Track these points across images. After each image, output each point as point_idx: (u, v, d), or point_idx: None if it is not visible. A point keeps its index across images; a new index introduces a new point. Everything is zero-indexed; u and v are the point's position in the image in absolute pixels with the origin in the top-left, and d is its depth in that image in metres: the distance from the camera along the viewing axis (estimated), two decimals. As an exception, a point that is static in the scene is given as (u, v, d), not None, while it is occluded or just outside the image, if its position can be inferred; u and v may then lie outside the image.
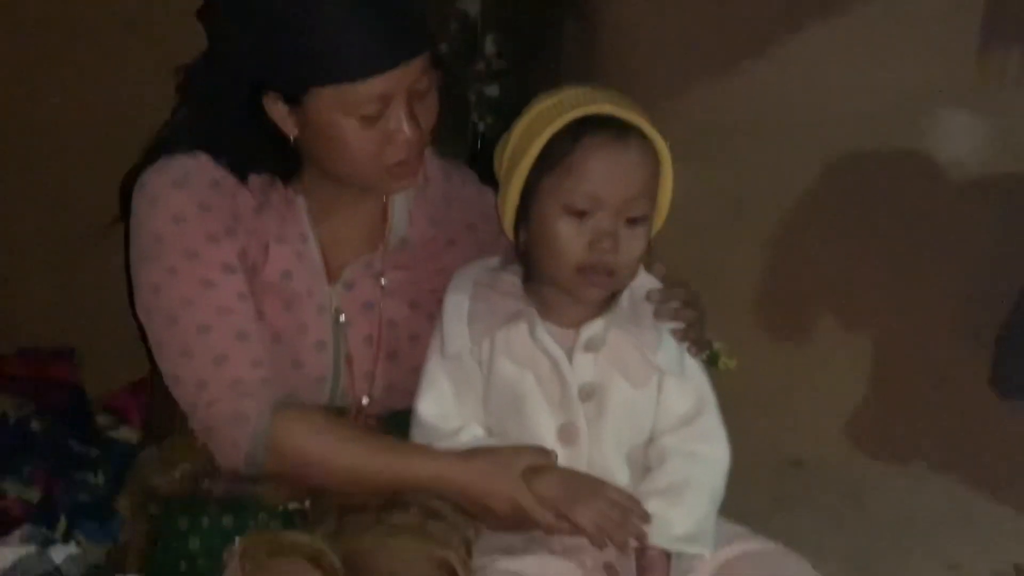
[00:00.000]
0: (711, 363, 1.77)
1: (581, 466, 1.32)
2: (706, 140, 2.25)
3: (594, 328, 1.33)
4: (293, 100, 1.32)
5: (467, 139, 2.24)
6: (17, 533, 1.72)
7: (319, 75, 1.28)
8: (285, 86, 1.31)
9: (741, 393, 1.85)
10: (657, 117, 2.12)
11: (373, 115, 1.30)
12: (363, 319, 1.42)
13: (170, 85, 1.43)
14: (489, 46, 2.22)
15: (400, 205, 1.44)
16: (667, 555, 1.29)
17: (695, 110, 2.24)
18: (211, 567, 1.30)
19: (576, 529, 1.26)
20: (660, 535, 1.28)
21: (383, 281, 1.42)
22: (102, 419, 2.13)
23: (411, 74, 1.30)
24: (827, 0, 2.21)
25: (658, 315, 1.34)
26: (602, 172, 1.24)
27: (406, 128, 1.32)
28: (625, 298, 1.35)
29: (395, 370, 1.43)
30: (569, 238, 1.26)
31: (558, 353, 1.32)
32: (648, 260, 1.38)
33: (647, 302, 1.35)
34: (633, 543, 1.27)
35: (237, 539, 1.26)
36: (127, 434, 2.09)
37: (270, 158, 1.37)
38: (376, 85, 1.28)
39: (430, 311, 1.41)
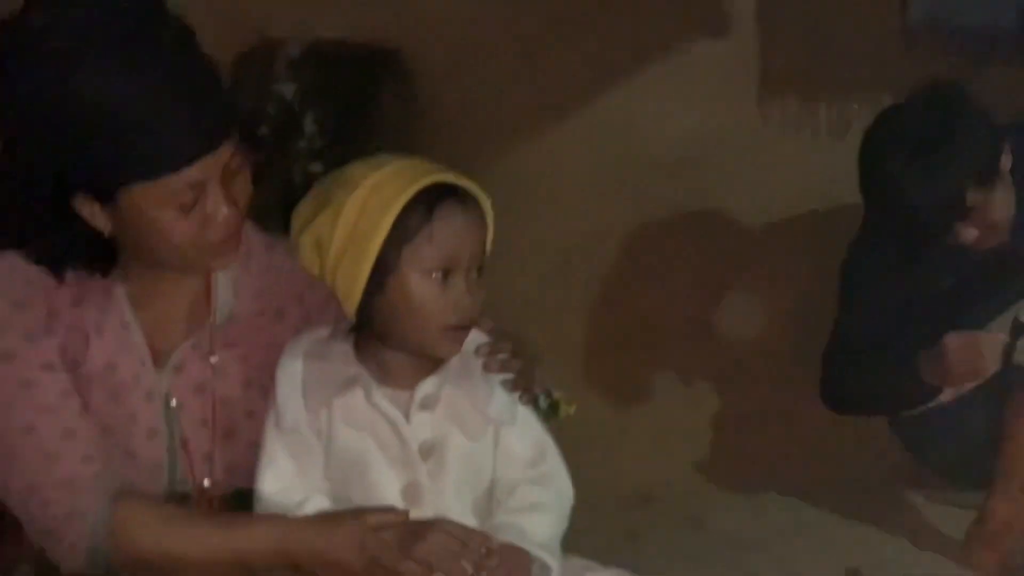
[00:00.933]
0: (552, 411, 1.81)
1: None
2: (531, 194, 2.32)
3: (428, 387, 1.33)
4: (104, 198, 1.28)
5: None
6: None
7: (129, 174, 1.25)
8: (94, 188, 1.27)
9: (584, 435, 1.90)
10: (482, 175, 2.19)
11: (189, 203, 1.28)
12: (196, 401, 1.38)
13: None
14: (309, 125, 2.23)
15: (224, 281, 1.41)
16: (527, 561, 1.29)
17: (518, 166, 2.31)
18: None
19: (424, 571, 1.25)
20: (517, 539, 1.29)
21: (213, 360, 1.39)
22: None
23: (223, 157, 1.29)
24: (623, 57, 2.34)
25: (487, 368, 1.36)
26: (457, 235, 1.29)
27: (224, 209, 1.30)
28: (456, 355, 1.37)
29: (234, 449, 1.39)
30: (435, 301, 1.29)
31: (396, 415, 1.32)
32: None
33: (477, 356, 1.37)
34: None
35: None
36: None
37: (84, 254, 1.33)
38: (189, 175, 1.26)
39: (264, 386, 1.37)
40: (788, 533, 2.12)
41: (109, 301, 1.36)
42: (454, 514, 1.33)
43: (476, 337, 1.38)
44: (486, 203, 1.34)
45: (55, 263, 1.33)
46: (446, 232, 1.29)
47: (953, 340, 1.99)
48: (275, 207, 2.14)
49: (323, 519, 1.29)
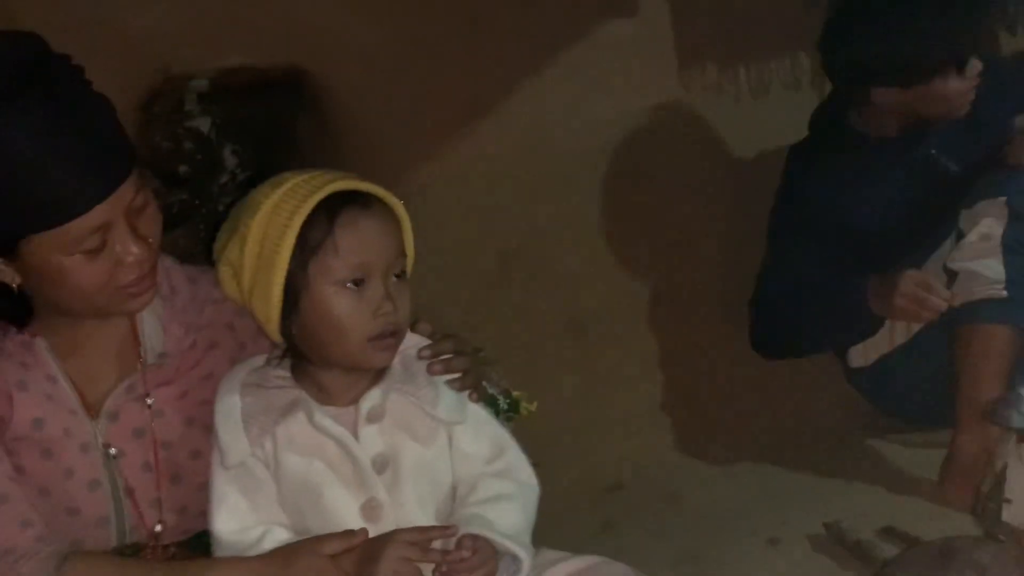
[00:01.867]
0: (513, 410, 1.78)
1: None
2: (463, 198, 2.29)
3: (372, 399, 1.30)
4: (6, 252, 1.24)
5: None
6: None
7: (27, 225, 1.21)
8: None
9: (549, 431, 1.87)
10: (409, 185, 2.15)
11: (95, 247, 1.24)
12: (136, 447, 1.33)
13: None
14: (228, 158, 2.18)
15: (150, 320, 1.37)
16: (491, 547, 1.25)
17: (444, 172, 2.27)
18: None
19: None
20: (482, 529, 1.26)
21: (149, 402, 1.34)
22: None
23: (125, 196, 1.25)
24: (536, 49, 2.31)
25: (431, 370, 1.33)
26: (364, 241, 1.25)
27: (133, 249, 1.26)
28: (397, 362, 1.33)
29: (183, 492, 1.34)
30: (353, 312, 1.25)
31: (342, 433, 1.27)
32: (412, 320, 1.38)
33: (419, 360, 1.34)
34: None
35: None
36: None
37: (-4, 309, 1.28)
38: (91, 219, 1.22)
39: (206, 423, 1.32)
40: (764, 499, 2.10)
41: (31, 355, 1.32)
42: (418, 524, 1.29)
43: (416, 341, 1.36)
44: (396, 204, 1.30)
45: (-34, 322, 1.28)
46: (351, 240, 1.26)
47: (912, 276, 1.99)
48: (203, 243, 2.10)
49: (281, 555, 1.25)
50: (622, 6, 2.39)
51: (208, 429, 1.32)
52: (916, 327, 2.11)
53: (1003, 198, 1.99)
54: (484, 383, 1.50)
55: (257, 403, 1.29)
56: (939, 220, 2.10)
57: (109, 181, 1.23)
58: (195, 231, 2.14)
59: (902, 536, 1.82)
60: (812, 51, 2.51)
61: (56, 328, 1.32)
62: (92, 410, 1.34)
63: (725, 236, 2.42)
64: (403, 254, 1.30)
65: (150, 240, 1.29)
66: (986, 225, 1.99)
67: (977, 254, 1.99)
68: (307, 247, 1.25)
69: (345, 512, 1.28)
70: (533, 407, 1.77)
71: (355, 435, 1.29)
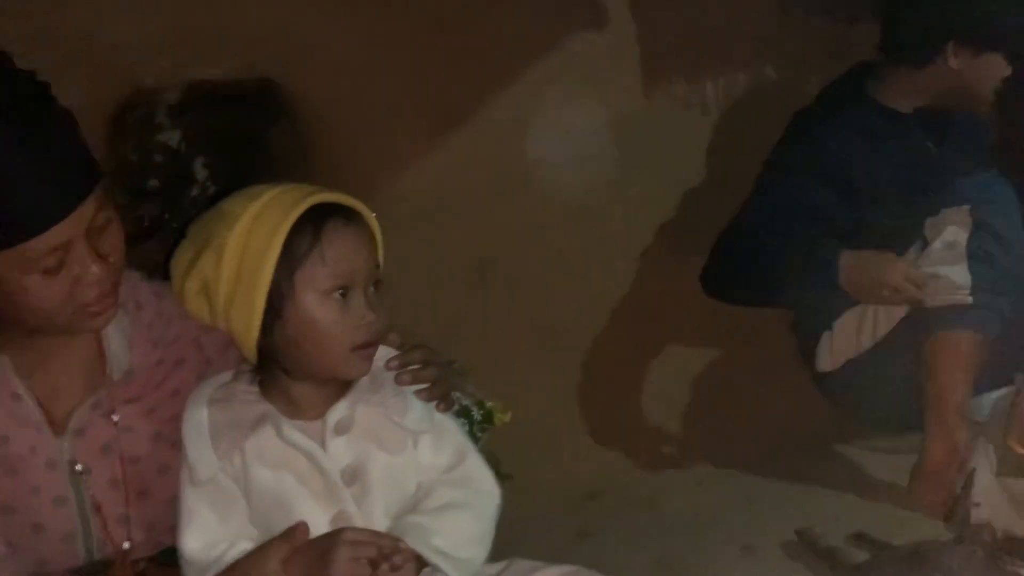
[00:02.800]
0: (487, 421, 1.77)
1: None
2: (438, 207, 2.28)
3: (340, 410, 1.29)
4: None
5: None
6: None
7: None
8: None
9: (523, 441, 1.86)
10: (383, 196, 2.13)
11: (54, 266, 1.21)
12: (103, 463, 1.31)
13: None
14: (199, 171, 2.16)
15: (116, 336, 1.34)
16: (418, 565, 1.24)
17: (418, 182, 2.26)
18: None
19: None
20: (417, 540, 1.24)
21: (115, 418, 1.32)
22: None
23: (86, 215, 1.22)
24: (506, 60, 2.31)
25: (399, 381, 1.32)
26: (348, 252, 1.26)
27: (93, 268, 1.23)
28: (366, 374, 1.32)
29: (151, 508, 1.32)
30: (338, 321, 1.25)
31: (310, 445, 1.26)
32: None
33: (387, 371, 1.33)
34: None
35: None
36: None
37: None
38: (50, 238, 1.20)
39: (174, 438, 1.30)
40: (738, 506, 2.10)
41: (-6, 374, 1.28)
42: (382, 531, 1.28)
43: (385, 352, 1.35)
44: (370, 217, 1.31)
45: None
46: (337, 251, 1.26)
47: (900, 268, 2.01)
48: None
49: (234, 568, 1.23)
50: (592, 18, 2.39)
51: (176, 444, 1.30)
52: (883, 332, 2.11)
53: (967, 206, 2.01)
54: (458, 394, 1.49)
55: (225, 418, 1.28)
56: (916, 212, 2.09)
57: (69, 200, 1.21)
58: (165, 245, 2.11)
59: (873, 542, 1.82)
60: (779, 64, 2.53)
61: (20, 345, 1.30)
62: (58, 427, 1.31)
63: (695, 245, 2.41)
64: (378, 263, 1.31)
65: (111, 259, 1.26)
66: (951, 233, 2.00)
67: (942, 261, 2.00)
68: (293, 257, 1.25)
69: (315, 525, 1.26)
70: (507, 417, 1.76)
71: (323, 447, 1.27)
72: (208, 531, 1.26)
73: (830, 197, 2.15)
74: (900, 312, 2.07)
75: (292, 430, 1.27)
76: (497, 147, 2.32)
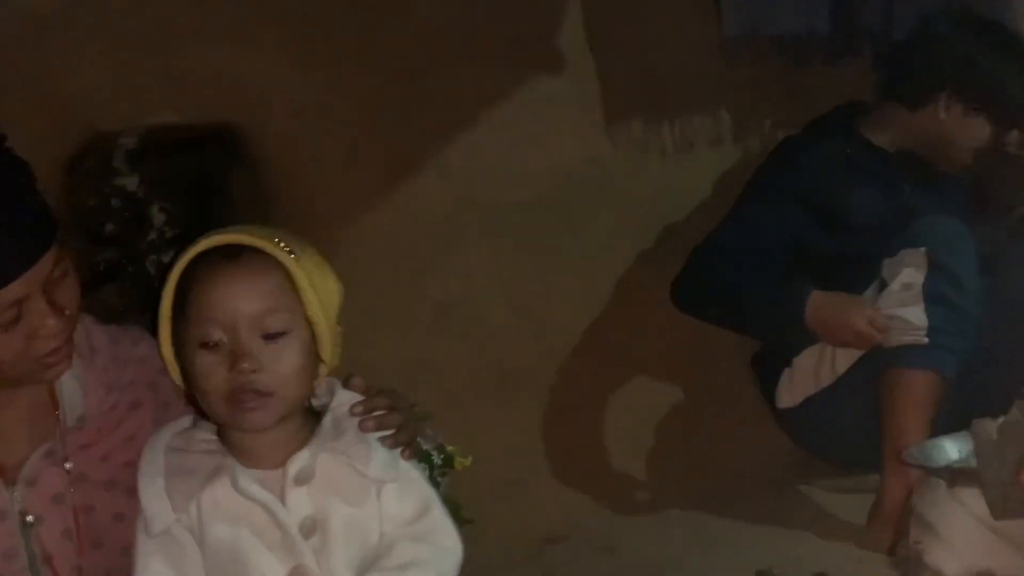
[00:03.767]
0: (447, 465, 1.74)
1: None
2: (399, 251, 2.27)
3: (301, 460, 1.24)
4: None
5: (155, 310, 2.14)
6: None
7: None
8: None
9: (485, 486, 1.84)
10: (343, 240, 2.12)
11: (10, 320, 1.18)
12: (55, 514, 1.27)
13: None
14: (156, 216, 2.14)
15: (69, 383, 1.31)
16: None
17: (380, 225, 2.25)
18: None
19: None
20: None
21: (68, 467, 1.28)
22: None
23: (44, 269, 1.20)
24: (466, 104, 2.32)
25: (363, 427, 1.28)
26: (218, 295, 1.20)
27: (49, 322, 1.21)
28: (328, 421, 1.28)
29: (105, 557, 1.28)
30: (210, 370, 1.20)
31: (267, 497, 1.22)
32: (344, 376, 1.33)
33: (351, 416, 1.29)
34: None
35: None
36: None
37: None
38: (7, 294, 1.17)
39: (129, 486, 1.26)
40: (698, 547, 2.09)
41: (-57, 423, 1.25)
42: (342, 584, 1.25)
43: (349, 397, 1.31)
44: (283, 257, 1.22)
45: None
46: (202, 297, 1.20)
47: (867, 313, 2.03)
48: (132, 301, 2.04)
49: None
50: (549, 62, 2.41)
51: (131, 492, 1.26)
52: (841, 369, 2.13)
53: (923, 248, 2.04)
54: (419, 439, 1.47)
55: (182, 468, 1.24)
56: (883, 248, 2.11)
57: (27, 256, 1.19)
58: (122, 289, 2.08)
59: (834, 581, 1.82)
60: (734, 108, 2.57)
61: (-30, 394, 1.27)
62: (8, 476, 1.27)
63: (654, 287, 2.42)
64: (281, 310, 1.22)
65: (67, 311, 1.24)
66: (907, 275, 2.03)
67: (900, 303, 2.02)
68: (177, 307, 1.23)
69: (271, 580, 1.22)
70: (468, 461, 1.74)
71: (282, 499, 1.23)
72: None
73: (806, 222, 2.18)
74: (858, 351, 2.09)
75: (249, 482, 1.23)
76: (455, 191, 2.32)
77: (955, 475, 1.47)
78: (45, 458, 1.29)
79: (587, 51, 2.43)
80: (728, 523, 2.16)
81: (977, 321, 2.02)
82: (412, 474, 1.32)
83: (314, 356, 1.26)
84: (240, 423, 1.23)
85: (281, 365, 1.22)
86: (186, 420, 1.29)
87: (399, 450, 1.31)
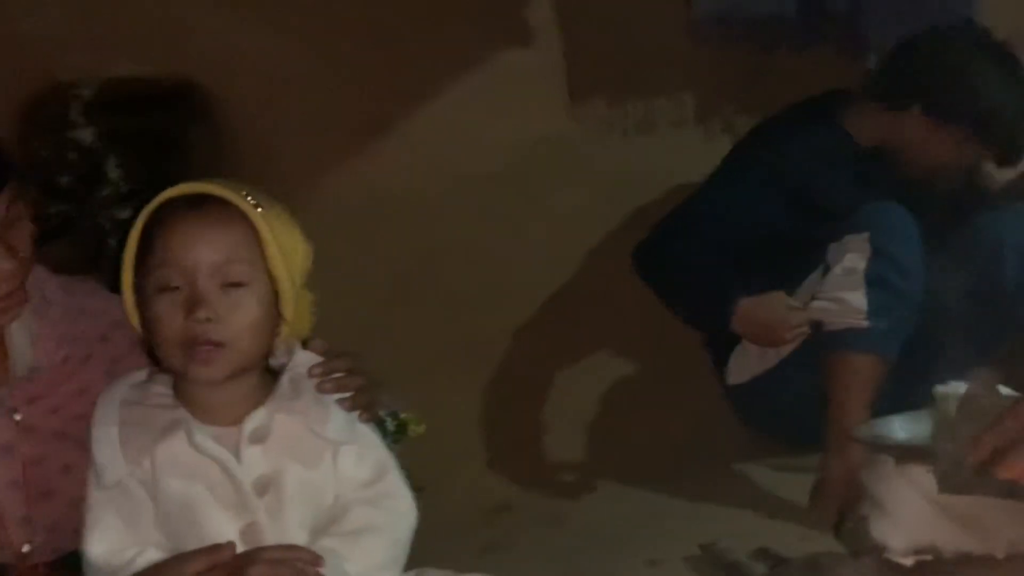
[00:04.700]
0: (401, 432, 1.74)
1: None
2: (361, 216, 2.25)
3: (257, 418, 1.23)
4: None
5: (108, 265, 2.10)
6: None
7: None
8: None
9: (436, 453, 1.84)
10: (305, 202, 2.10)
11: None
12: (3, 464, 1.25)
13: None
14: (112, 170, 2.10)
15: (20, 333, 1.28)
16: None
17: (342, 190, 2.23)
18: None
19: None
20: (330, 567, 1.20)
21: (17, 417, 1.26)
22: None
23: None
24: (433, 73, 2.30)
25: (321, 388, 1.27)
26: (180, 241, 1.19)
27: (3, 264, 1.19)
28: (285, 380, 1.27)
29: (53, 509, 1.26)
30: (166, 315, 1.19)
31: (223, 454, 1.21)
32: (306, 337, 1.32)
33: (310, 378, 1.28)
34: None
35: None
36: None
37: None
38: None
39: (79, 437, 1.24)
40: (644, 521, 2.11)
41: None
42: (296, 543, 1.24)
43: (309, 358, 1.30)
44: (248, 209, 1.22)
45: None
46: (163, 242, 1.20)
47: (797, 314, 2.07)
48: (85, 255, 2.01)
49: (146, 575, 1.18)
50: (517, 35, 2.40)
51: (81, 444, 1.24)
52: (786, 351, 2.16)
53: (866, 233, 2.07)
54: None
55: (136, 421, 1.22)
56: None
57: None
58: (74, 244, 2.05)
59: (775, 557, 1.84)
60: (698, 90, 2.58)
61: (-81, 343, 1.24)
62: (-44, 427, 1.25)
63: (611, 262, 2.43)
64: (242, 261, 1.21)
65: (21, 254, 1.22)
66: (850, 260, 2.07)
67: (842, 287, 2.06)
68: (140, 250, 1.22)
69: (224, 536, 1.20)
70: (421, 429, 1.73)
71: (237, 456, 1.22)
72: (114, 536, 1.20)
73: (777, 202, 2.21)
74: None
75: (205, 437, 1.21)
76: (421, 160, 2.31)
77: (903, 452, 1.50)
78: (-6, 408, 1.27)
79: (555, 25, 2.43)
80: (674, 498, 2.18)
81: (919, 305, 2.06)
82: (369, 437, 1.31)
83: (274, 313, 1.25)
84: (193, 373, 1.21)
85: (238, 316, 1.20)
86: (142, 373, 1.27)
87: (356, 413, 1.31)
